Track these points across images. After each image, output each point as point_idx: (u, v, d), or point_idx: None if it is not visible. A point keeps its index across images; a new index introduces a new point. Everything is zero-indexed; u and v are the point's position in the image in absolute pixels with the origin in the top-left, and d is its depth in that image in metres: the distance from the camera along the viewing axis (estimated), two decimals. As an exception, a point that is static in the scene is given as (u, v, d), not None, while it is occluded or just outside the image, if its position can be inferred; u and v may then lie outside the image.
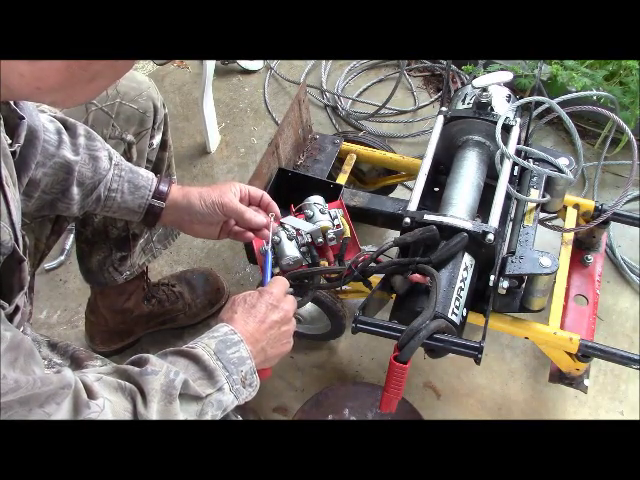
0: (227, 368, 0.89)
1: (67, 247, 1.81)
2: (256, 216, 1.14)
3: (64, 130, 1.04)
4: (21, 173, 0.91)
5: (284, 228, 1.24)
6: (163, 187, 1.13)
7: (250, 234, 1.17)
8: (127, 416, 0.78)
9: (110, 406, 0.76)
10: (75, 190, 1.07)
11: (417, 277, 1.12)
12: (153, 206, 1.12)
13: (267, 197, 1.18)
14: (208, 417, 0.86)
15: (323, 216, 1.27)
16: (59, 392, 0.70)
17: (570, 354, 1.27)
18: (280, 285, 1.04)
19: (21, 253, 0.75)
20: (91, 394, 0.75)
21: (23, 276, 0.75)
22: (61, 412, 0.70)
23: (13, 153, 0.84)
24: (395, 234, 1.33)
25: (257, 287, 1.06)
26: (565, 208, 1.45)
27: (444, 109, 1.40)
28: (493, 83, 1.32)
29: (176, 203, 1.13)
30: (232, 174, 2.00)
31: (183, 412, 0.83)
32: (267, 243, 1.14)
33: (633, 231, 1.68)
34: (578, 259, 1.49)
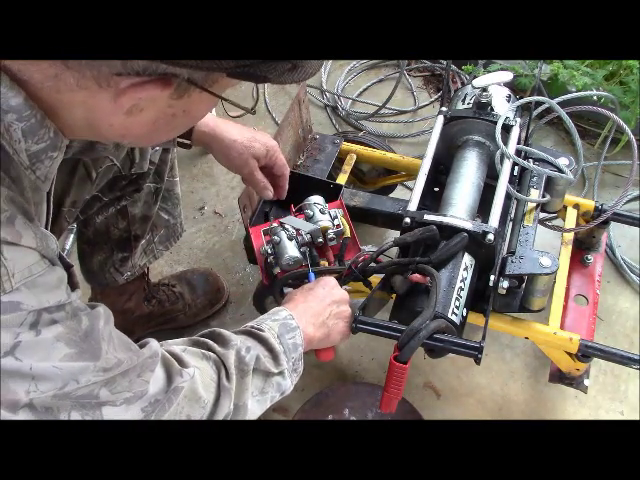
0: (286, 353, 0.94)
1: (67, 247, 1.81)
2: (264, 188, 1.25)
3: None
4: None
5: (284, 228, 1.24)
6: None
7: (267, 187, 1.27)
8: (212, 385, 0.84)
9: (199, 374, 0.82)
10: None
11: (417, 277, 1.12)
12: None
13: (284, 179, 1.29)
14: (269, 396, 0.92)
15: (323, 216, 1.27)
16: (149, 361, 0.77)
17: (570, 354, 1.27)
18: (331, 278, 1.13)
19: (67, 259, 0.76)
20: (182, 363, 0.82)
21: (74, 281, 0.77)
22: (156, 378, 0.77)
23: None
24: (395, 234, 1.33)
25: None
26: (565, 208, 1.45)
27: (444, 109, 1.40)
28: (493, 83, 1.32)
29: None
30: (232, 174, 2.00)
31: (252, 386, 0.89)
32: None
33: (633, 231, 1.68)
34: (578, 259, 1.48)
